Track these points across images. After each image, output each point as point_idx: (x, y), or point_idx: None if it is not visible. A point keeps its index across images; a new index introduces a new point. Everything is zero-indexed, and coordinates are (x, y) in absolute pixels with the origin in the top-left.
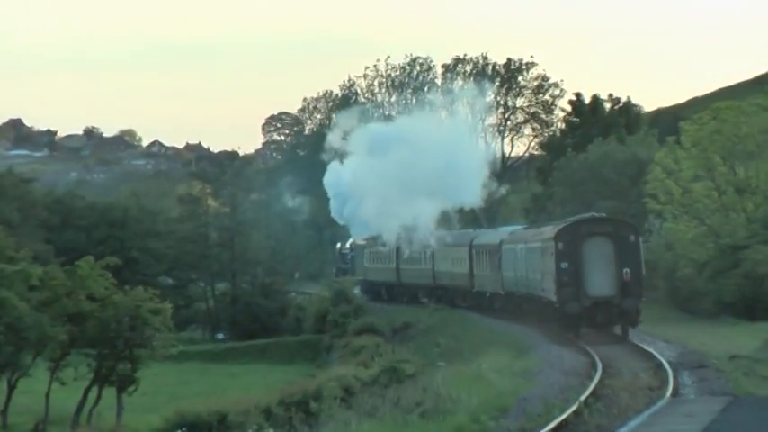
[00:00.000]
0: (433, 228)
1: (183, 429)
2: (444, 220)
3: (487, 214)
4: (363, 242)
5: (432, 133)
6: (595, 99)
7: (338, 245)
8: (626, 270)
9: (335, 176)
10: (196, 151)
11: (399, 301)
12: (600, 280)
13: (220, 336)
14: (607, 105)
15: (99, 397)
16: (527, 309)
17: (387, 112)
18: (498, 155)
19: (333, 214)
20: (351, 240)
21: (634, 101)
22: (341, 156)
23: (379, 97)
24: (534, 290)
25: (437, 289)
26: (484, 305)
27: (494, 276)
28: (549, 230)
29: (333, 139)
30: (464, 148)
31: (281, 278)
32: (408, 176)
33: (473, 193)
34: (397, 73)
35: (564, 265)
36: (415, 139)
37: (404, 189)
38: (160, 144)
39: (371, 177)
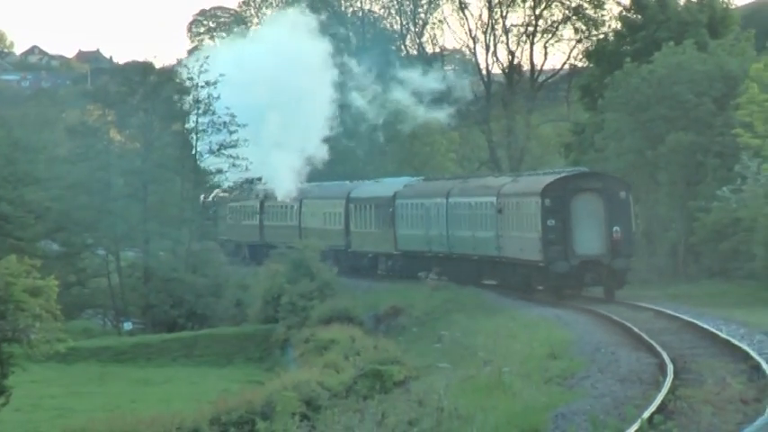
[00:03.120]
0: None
1: None
2: None
3: (510, 153)
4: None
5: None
6: None
7: (201, 197)
8: (616, 228)
9: None
10: (92, 62)
11: (377, 275)
12: (589, 238)
13: (128, 325)
14: None
15: None
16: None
17: (366, 6)
18: (526, 67)
19: None
20: (215, 191)
21: None
22: None
23: None
24: (489, 250)
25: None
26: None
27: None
28: (528, 183)
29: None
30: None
31: (214, 243)
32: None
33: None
34: None
35: (551, 222)
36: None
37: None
38: (40, 51)
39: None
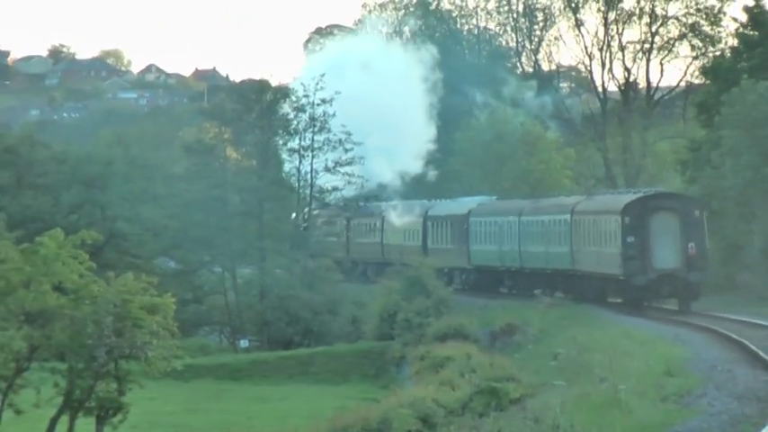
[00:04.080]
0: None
1: None
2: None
3: (626, 170)
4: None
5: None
6: None
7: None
8: (691, 244)
9: None
10: (209, 80)
11: (496, 292)
12: (666, 253)
13: (245, 343)
14: None
15: (71, 431)
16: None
17: (481, 23)
18: (642, 84)
19: None
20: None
21: None
22: None
23: (471, 2)
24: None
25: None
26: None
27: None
28: (605, 202)
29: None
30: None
31: (330, 261)
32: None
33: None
34: None
35: (630, 238)
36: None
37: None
38: (157, 69)
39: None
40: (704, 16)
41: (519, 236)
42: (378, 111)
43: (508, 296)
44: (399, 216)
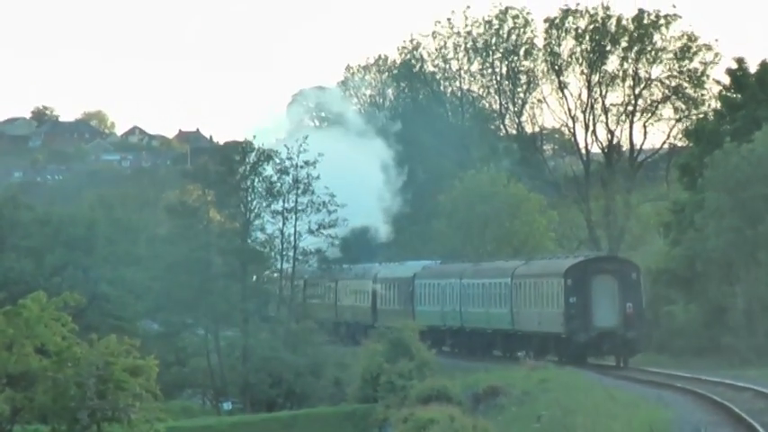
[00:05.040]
0: None
1: None
2: None
3: (609, 232)
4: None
5: None
6: (765, 66)
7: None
8: (629, 304)
9: None
10: (192, 142)
11: (481, 355)
12: (605, 313)
13: (228, 405)
14: None
15: None
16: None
17: (464, 86)
18: (625, 146)
19: None
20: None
21: None
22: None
23: (455, 64)
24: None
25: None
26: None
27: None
28: (547, 265)
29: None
30: None
31: (312, 323)
32: None
33: None
34: (481, 30)
35: (572, 299)
36: None
37: None
38: (141, 132)
39: None
40: (687, 79)
41: (460, 297)
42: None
43: (450, 354)
44: (351, 278)
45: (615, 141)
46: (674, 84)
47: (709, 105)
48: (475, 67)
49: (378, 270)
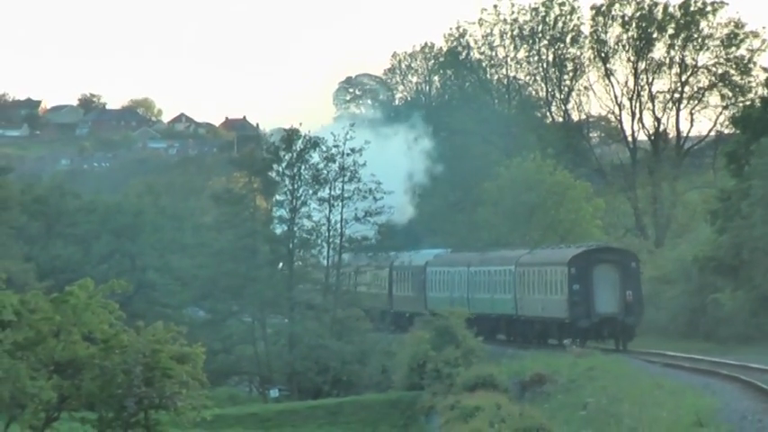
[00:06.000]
0: None
1: None
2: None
3: (656, 220)
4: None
5: None
6: None
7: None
8: (628, 292)
9: None
10: (239, 129)
11: (525, 342)
12: (607, 300)
13: (274, 393)
14: None
15: None
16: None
17: (511, 73)
18: (672, 134)
19: None
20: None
21: None
22: None
23: (501, 52)
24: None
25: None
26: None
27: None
28: (550, 255)
29: None
30: None
31: (359, 311)
32: None
33: None
34: (527, 17)
35: (576, 286)
36: None
37: None
38: (187, 119)
39: None
40: (734, 66)
41: (468, 284)
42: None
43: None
44: (370, 268)
45: (662, 129)
46: (720, 71)
47: (756, 92)
48: (521, 54)
49: (394, 259)
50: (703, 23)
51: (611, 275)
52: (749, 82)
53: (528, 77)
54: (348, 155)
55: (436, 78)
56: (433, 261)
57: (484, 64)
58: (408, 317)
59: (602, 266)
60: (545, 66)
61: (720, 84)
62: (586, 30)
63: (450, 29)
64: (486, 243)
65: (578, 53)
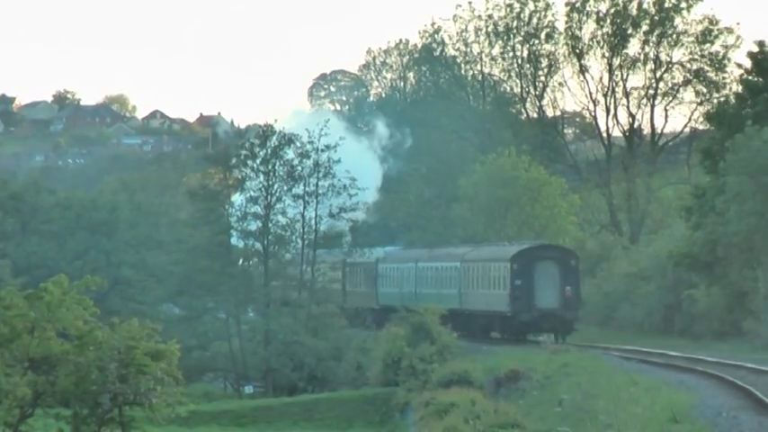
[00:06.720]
0: None
1: None
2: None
3: (630, 216)
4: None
5: None
6: None
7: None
8: (568, 287)
9: None
10: (213, 126)
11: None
12: (547, 295)
13: (249, 389)
14: None
15: None
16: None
17: (485, 69)
18: (647, 130)
19: None
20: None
21: None
22: None
23: (476, 48)
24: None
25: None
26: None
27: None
28: (494, 252)
29: None
30: None
31: (334, 307)
32: None
33: None
34: (502, 14)
35: (517, 282)
36: None
37: None
38: (162, 115)
39: None
40: (709, 62)
41: (416, 280)
42: None
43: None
44: (326, 263)
45: (636, 125)
46: (695, 67)
47: (731, 89)
48: (496, 50)
49: (347, 255)
50: (678, 20)
51: (551, 272)
52: (724, 78)
53: (503, 74)
54: (323, 151)
55: (411, 75)
56: (383, 258)
57: (459, 60)
58: (360, 311)
59: (544, 263)
60: (520, 62)
61: (695, 80)
62: (561, 26)
63: (425, 25)
64: (462, 239)
65: (553, 49)
